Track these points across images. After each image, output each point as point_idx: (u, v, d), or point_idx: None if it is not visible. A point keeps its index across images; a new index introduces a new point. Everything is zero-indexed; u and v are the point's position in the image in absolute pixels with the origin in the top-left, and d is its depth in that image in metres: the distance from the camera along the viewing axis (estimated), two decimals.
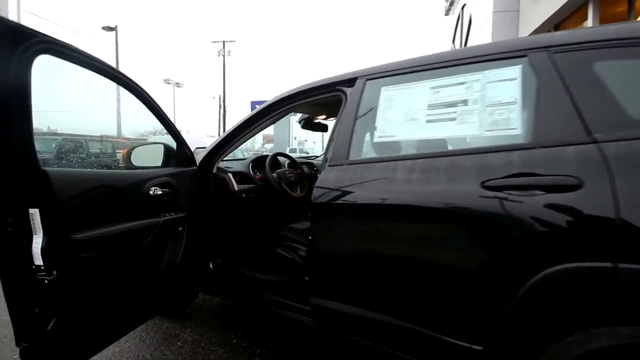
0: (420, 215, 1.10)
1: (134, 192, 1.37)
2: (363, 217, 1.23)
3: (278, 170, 2.13)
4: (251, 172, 2.11)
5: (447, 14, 13.83)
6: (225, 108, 24.10)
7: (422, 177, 1.13)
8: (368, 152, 1.38)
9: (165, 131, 1.62)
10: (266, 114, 1.78)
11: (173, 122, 1.68)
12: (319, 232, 1.36)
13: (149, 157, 1.75)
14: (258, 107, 1.80)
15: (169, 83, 23.94)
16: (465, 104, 1.17)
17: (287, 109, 1.73)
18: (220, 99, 24.30)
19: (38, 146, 1.07)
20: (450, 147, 1.19)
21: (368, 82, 1.44)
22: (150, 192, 1.43)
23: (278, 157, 2.27)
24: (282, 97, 1.71)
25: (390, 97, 1.36)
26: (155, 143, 1.79)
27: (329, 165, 1.39)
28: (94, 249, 1.17)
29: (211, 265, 1.93)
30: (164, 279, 1.51)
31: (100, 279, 1.22)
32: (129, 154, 1.66)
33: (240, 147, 2.15)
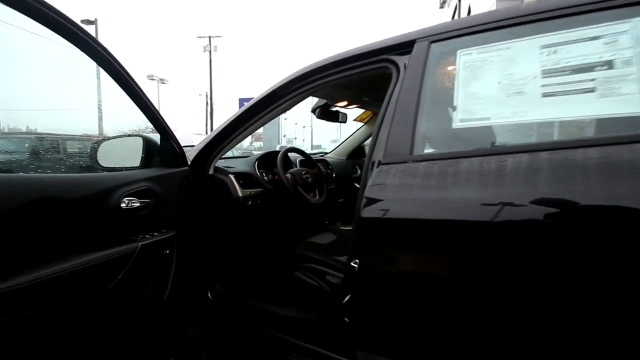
0: (555, 240, 0.69)
1: (96, 207, 0.92)
2: (451, 241, 0.81)
3: (292, 170, 1.70)
4: (258, 173, 1.67)
5: (442, 6, 13.56)
6: (213, 105, 23.37)
7: (554, 180, 0.72)
8: (445, 144, 0.96)
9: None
10: (278, 98, 1.33)
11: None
12: (372, 260, 0.93)
13: (124, 155, 1.29)
14: (267, 90, 1.35)
15: (152, 79, 23.00)
16: (609, 68, 0.76)
17: (306, 91, 1.29)
18: (207, 96, 23.54)
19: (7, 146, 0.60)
20: (592, 133, 0.78)
21: (434, 45, 1.02)
22: (123, 205, 0.98)
23: (288, 154, 1.83)
24: (299, 75, 1.27)
25: (474, 63, 0.94)
26: (132, 135, 1.33)
27: (382, 164, 0.96)
28: (19, 308, 0.72)
29: (209, 294, 1.49)
30: (142, 329, 1.05)
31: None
32: (94, 150, 1.19)
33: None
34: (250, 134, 1.47)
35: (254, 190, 1.60)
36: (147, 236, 1.06)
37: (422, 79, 0.99)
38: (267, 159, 1.78)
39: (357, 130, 2.61)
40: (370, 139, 1.09)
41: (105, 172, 1.06)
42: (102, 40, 1.25)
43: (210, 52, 22.46)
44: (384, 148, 0.98)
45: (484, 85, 0.91)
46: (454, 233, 0.79)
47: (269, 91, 1.33)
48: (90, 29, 15.73)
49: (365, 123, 2.51)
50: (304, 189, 1.67)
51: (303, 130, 42.28)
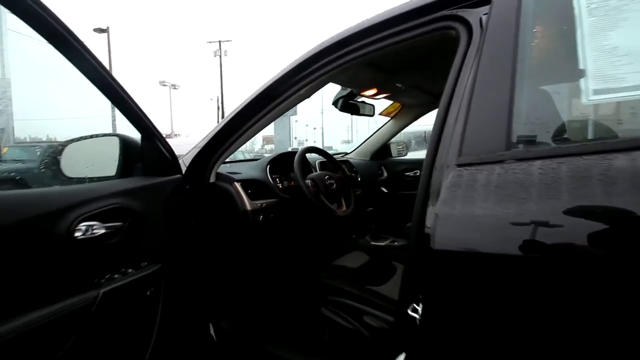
0: None
1: (29, 240, 0.61)
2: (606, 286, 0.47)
3: (312, 175, 1.37)
4: (270, 180, 1.35)
5: None
6: (224, 110, 23.37)
7: None
8: (566, 132, 0.61)
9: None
10: (294, 83, 1.02)
11: (157, 120, 0.92)
12: (452, 312, 0.60)
13: (98, 161, 0.99)
14: (280, 72, 1.04)
15: (165, 85, 23.20)
16: None
17: (326, 73, 0.96)
18: (218, 100, 23.56)
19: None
20: None
21: None
22: (77, 234, 0.67)
23: (306, 155, 1.51)
24: (318, 51, 0.95)
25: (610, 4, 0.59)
26: (107, 135, 1.03)
27: (460, 166, 0.62)
28: None
29: (212, 332, 1.18)
30: None
31: None
32: (54, 155, 0.90)
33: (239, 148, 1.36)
34: (260, 129, 1.15)
35: (265, 201, 1.28)
36: (117, 276, 0.75)
37: (515, 37, 0.65)
38: (282, 162, 1.46)
39: (383, 126, 2.26)
40: (431, 133, 0.76)
41: (58, 187, 0.76)
42: (114, 48, 0.96)
43: (220, 56, 22.49)
44: (458, 144, 0.64)
45: (633, 33, 0.56)
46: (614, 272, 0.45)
47: (282, 73, 1.01)
48: (102, 37, 15.88)
49: (392, 118, 2.17)
50: (327, 198, 1.34)
51: (314, 131, 42.09)
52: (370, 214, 1.73)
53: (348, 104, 1.63)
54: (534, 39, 0.64)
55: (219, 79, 22.64)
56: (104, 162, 0.96)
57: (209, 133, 1.17)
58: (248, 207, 1.20)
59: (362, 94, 1.56)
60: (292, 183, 1.48)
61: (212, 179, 1.20)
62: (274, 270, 1.41)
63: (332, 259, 1.35)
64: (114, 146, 0.96)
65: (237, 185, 1.20)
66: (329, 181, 1.38)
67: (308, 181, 1.32)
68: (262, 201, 1.27)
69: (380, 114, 2.16)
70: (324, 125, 37.75)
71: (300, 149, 1.40)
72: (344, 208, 1.41)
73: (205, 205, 1.15)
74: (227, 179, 1.22)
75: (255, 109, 1.05)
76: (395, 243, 1.68)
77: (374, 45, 0.85)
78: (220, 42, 22.51)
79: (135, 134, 0.96)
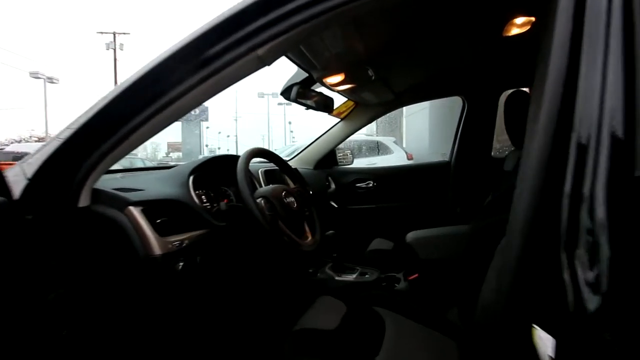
0: None
1: None
2: None
3: (264, 192, 0.91)
4: (195, 198, 0.85)
5: None
6: None
7: None
8: None
9: None
10: (245, 38, 0.58)
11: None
12: None
13: None
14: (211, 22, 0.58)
15: (38, 77, 18.93)
16: None
17: (288, 30, 0.56)
18: None
19: None
20: None
21: None
22: None
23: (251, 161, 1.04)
24: None
25: None
26: None
27: None
28: None
29: None
30: None
31: None
32: None
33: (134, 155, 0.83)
34: (170, 120, 0.66)
35: (187, 235, 0.77)
36: None
37: None
38: (213, 171, 0.96)
39: (330, 129, 1.91)
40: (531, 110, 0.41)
41: None
42: None
43: (114, 50, 19.53)
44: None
45: None
46: None
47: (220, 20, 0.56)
48: None
49: (342, 119, 1.83)
50: (287, 224, 0.89)
51: (227, 139, 40.05)
52: (330, 238, 1.34)
53: (304, 94, 1.21)
54: None
55: (113, 75, 19.61)
56: None
57: (75, 121, 0.63)
58: (156, 249, 0.69)
59: (324, 80, 1.17)
60: (226, 201, 0.99)
61: (83, 201, 0.65)
62: (206, 350, 0.89)
63: (292, 316, 0.90)
64: None
65: (135, 211, 0.67)
66: (287, 199, 0.94)
67: (259, 200, 0.86)
68: (181, 236, 0.76)
69: (330, 114, 1.81)
70: (238, 134, 36.21)
71: (245, 151, 0.93)
72: (310, 238, 0.98)
73: (69, 251, 0.60)
74: (115, 200, 0.68)
75: (164, 86, 0.57)
76: (367, 276, 1.32)
77: None
78: (115, 33, 19.59)
79: None
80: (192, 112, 18.76)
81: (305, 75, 1.19)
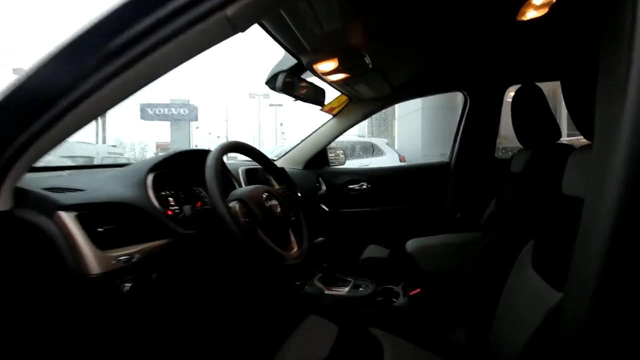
0: None
1: None
2: None
3: (240, 193, 0.76)
4: (155, 202, 0.70)
5: None
6: None
7: None
8: None
9: None
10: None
11: None
12: None
13: None
14: None
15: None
16: None
17: None
18: None
19: None
20: None
21: None
22: None
23: (224, 157, 0.89)
24: None
25: None
26: None
27: None
28: None
29: None
30: None
31: None
32: None
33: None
34: (127, 94, 0.51)
35: (139, 248, 0.62)
36: None
37: None
38: (182, 169, 0.81)
39: (320, 127, 1.77)
40: None
41: None
42: None
43: None
44: None
45: None
46: None
47: None
48: None
49: (334, 116, 1.69)
50: (269, 233, 0.74)
51: (218, 140, 39.57)
52: (320, 246, 1.19)
53: (291, 83, 1.07)
54: None
55: None
56: None
57: None
58: (93, 266, 0.54)
59: (315, 67, 1.03)
60: (199, 205, 0.84)
61: (2, 205, 0.50)
62: None
63: (275, 341, 0.75)
64: None
65: (66, 217, 0.52)
66: (269, 202, 0.79)
67: (234, 204, 0.71)
68: (131, 249, 0.61)
69: (321, 110, 1.67)
70: (228, 135, 35.80)
71: (219, 145, 0.77)
72: (295, 248, 0.84)
73: None
74: (42, 202, 0.53)
75: (110, 48, 0.43)
76: (361, 289, 1.17)
77: None
78: None
79: None
80: (182, 112, 18.40)
81: (294, 62, 1.05)
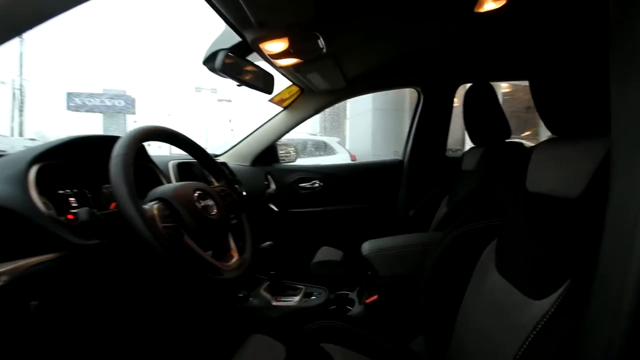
0: None
1: None
2: None
3: (162, 192, 0.60)
4: (38, 203, 0.51)
5: None
6: (24, 99, 17.20)
7: None
8: None
9: None
10: None
11: None
12: None
13: None
14: None
15: None
16: None
17: None
18: (13, 84, 17.18)
19: None
20: None
21: None
22: None
23: (145, 144, 0.73)
24: None
25: None
26: None
27: None
28: None
29: None
30: None
31: None
32: None
33: None
34: None
35: (10, 267, 0.44)
36: None
37: None
38: (79, 160, 0.63)
39: (268, 121, 1.63)
40: None
41: None
42: None
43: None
44: None
45: None
46: None
47: None
48: None
49: (285, 108, 1.57)
50: (199, 241, 0.60)
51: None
52: (267, 251, 1.06)
53: (236, 64, 0.92)
54: None
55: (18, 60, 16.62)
56: None
57: None
58: None
59: (263, 46, 0.89)
60: (113, 206, 0.67)
61: None
62: None
63: None
64: None
65: None
66: (203, 203, 0.64)
67: (152, 204, 0.56)
68: None
69: (269, 100, 1.53)
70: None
71: (133, 129, 0.61)
72: (235, 258, 0.70)
73: None
74: None
75: None
76: (313, 297, 1.06)
77: None
78: None
79: None
80: (116, 103, 16.75)
81: (238, 39, 0.91)
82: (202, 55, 1.01)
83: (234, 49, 0.91)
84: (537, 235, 0.54)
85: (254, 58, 1.01)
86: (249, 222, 0.82)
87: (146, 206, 0.54)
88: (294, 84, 1.43)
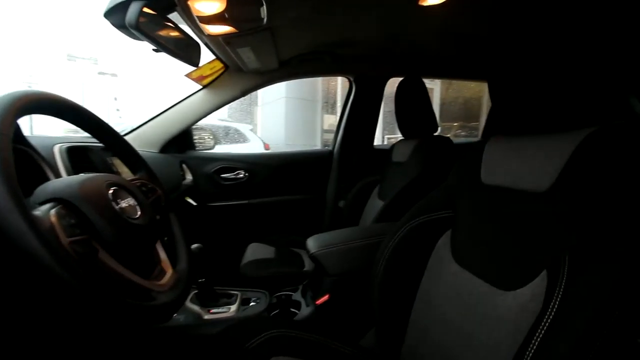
0: None
1: None
2: None
3: (56, 188, 0.41)
4: None
5: None
6: None
7: None
8: None
9: None
10: None
11: None
12: None
13: None
14: None
15: None
16: None
17: None
18: None
19: None
20: None
21: None
22: None
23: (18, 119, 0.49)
24: None
25: None
26: None
27: None
28: None
29: None
30: None
31: None
32: None
33: None
34: None
35: None
36: None
37: None
38: None
39: (184, 100, 1.39)
40: None
41: None
42: None
43: None
44: None
45: None
46: None
47: None
48: None
49: (204, 86, 1.36)
50: (120, 255, 0.43)
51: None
52: (195, 255, 0.88)
53: (154, 22, 0.72)
54: None
55: None
56: None
57: None
58: None
59: (190, 3, 0.71)
60: None
61: None
62: None
63: None
64: None
65: None
66: (120, 204, 0.47)
67: (44, 210, 0.37)
68: None
69: (186, 75, 1.30)
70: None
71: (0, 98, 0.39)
72: (169, 272, 0.54)
73: None
74: None
75: None
76: (252, 303, 0.93)
77: None
78: None
79: None
80: None
81: None
82: (97, 5, 0.77)
83: (152, 1, 0.70)
84: (503, 228, 0.56)
85: (177, 21, 0.82)
86: (179, 223, 0.66)
87: (38, 212, 0.35)
88: (218, 59, 1.24)
